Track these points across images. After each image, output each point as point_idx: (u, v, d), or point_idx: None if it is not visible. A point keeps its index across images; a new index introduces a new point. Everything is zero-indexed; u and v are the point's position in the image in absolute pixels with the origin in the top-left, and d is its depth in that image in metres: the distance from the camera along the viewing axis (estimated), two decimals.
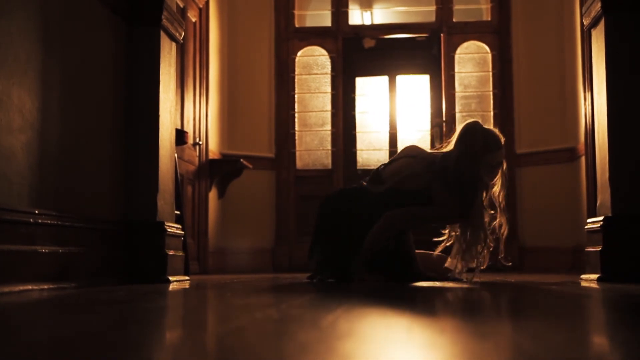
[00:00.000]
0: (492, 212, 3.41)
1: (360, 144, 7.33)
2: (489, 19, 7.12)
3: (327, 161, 7.17)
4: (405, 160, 3.61)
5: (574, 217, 6.10)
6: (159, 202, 3.56)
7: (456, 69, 7.10)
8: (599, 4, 3.49)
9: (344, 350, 0.96)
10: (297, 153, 7.15)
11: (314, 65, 7.29)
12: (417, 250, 3.66)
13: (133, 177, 3.54)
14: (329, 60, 7.26)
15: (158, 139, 3.58)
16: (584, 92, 5.70)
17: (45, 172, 2.76)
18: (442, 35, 7.12)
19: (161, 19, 3.62)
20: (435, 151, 3.74)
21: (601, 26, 3.53)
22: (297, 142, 7.18)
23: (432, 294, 2.21)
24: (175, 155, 4.01)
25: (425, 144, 7.22)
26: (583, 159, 5.85)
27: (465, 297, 2.05)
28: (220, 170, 6.38)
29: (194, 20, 5.99)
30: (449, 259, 3.46)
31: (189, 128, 5.71)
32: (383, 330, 1.22)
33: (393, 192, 3.47)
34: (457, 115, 7.07)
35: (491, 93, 7.04)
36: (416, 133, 7.32)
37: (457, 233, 3.45)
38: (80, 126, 3.12)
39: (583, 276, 3.59)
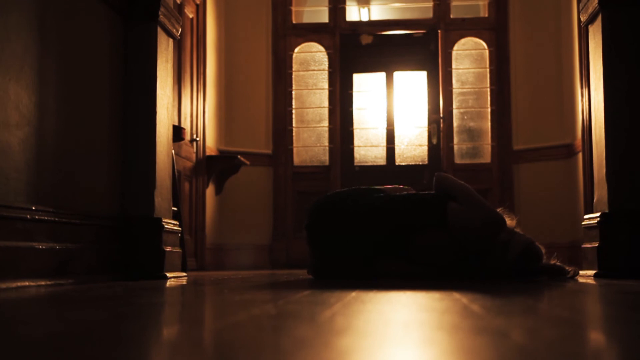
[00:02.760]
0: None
1: (357, 140, 7.33)
2: (487, 15, 7.12)
3: (324, 157, 7.18)
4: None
5: (571, 213, 6.12)
6: (156, 199, 3.56)
7: (453, 66, 7.11)
8: (596, 0, 3.49)
9: (341, 345, 0.97)
10: (295, 149, 7.15)
11: (312, 62, 7.29)
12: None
13: (130, 173, 3.53)
14: (326, 56, 7.26)
15: (155, 135, 3.57)
16: (581, 88, 5.71)
17: (42, 168, 2.76)
18: (439, 31, 7.12)
19: (158, 15, 3.61)
20: None
21: (598, 22, 3.53)
22: (294, 138, 7.18)
23: (429, 291, 2.22)
24: (173, 151, 4.01)
25: (422, 140, 7.23)
26: (580, 155, 5.86)
27: (462, 293, 2.06)
28: (217, 167, 6.38)
29: (191, 16, 5.99)
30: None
31: (186, 124, 5.71)
32: (380, 326, 1.22)
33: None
34: (455, 111, 7.07)
35: (488, 89, 7.04)
36: (414, 129, 7.32)
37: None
38: (77, 122, 3.11)
39: (580, 272, 3.60)
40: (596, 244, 3.41)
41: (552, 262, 3.17)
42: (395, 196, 3.38)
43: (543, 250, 3.17)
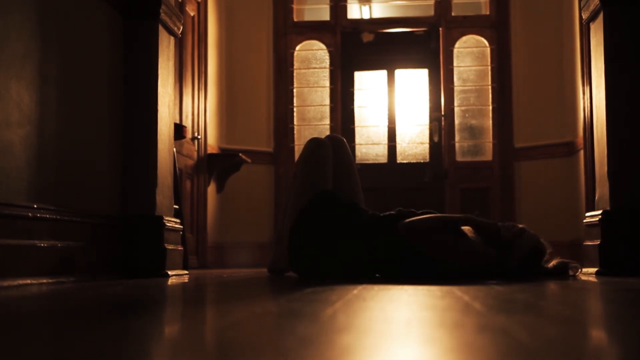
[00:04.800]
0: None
1: (358, 138, 7.33)
2: (488, 12, 7.12)
3: None
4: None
5: (572, 211, 6.11)
6: (158, 197, 3.56)
7: (455, 63, 7.10)
8: None
9: (343, 343, 0.97)
10: (296, 147, 7.14)
11: (313, 60, 7.29)
12: None
13: (131, 171, 3.53)
14: (328, 54, 7.26)
15: (156, 133, 3.57)
16: (583, 85, 5.70)
17: (43, 166, 2.76)
18: (440, 29, 7.11)
19: (159, 13, 3.61)
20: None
21: (600, 20, 3.53)
22: (295, 136, 7.18)
23: (430, 289, 2.22)
24: (174, 149, 4.01)
25: (424, 138, 7.23)
26: (581, 152, 5.86)
27: (463, 291, 2.06)
28: (218, 165, 6.38)
29: (192, 14, 5.98)
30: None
31: (187, 122, 5.71)
32: (382, 324, 1.22)
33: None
34: (456, 109, 7.07)
35: (490, 87, 7.04)
36: (415, 127, 7.32)
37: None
38: (78, 120, 3.12)
39: (582, 270, 3.60)
40: (597, 242, 3.41)
41: (555, 261, 3.13)
42: (386, 220, 3.28)
43: (549, 250, 3.13)
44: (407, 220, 3.08)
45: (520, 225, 3.15)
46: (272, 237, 3.65)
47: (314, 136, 3.57)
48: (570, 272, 3.09)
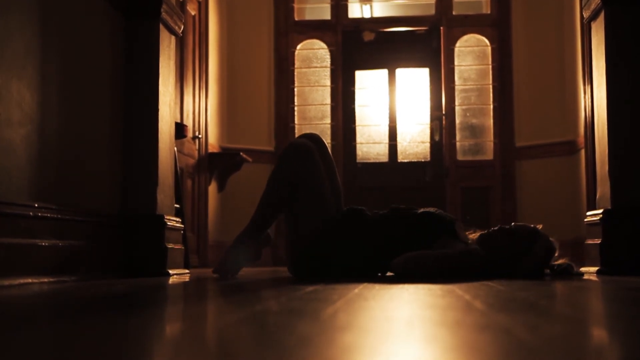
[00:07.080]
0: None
1: (359, 137, 7.33)
2: (489, 11, 7.11)
3: None
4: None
5: (574, 210, 6.11)
6: (159, 196, 3.56)
7: (456, 62, 7.10)
8: None
9: (344, 342, 0.97)
10: None
11: (314, 59, 7.29)
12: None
13: (132, 170, 3.54)
14: (329, 53, 7.25)
15: (157, 132, 3.58)
16: (584, 84, 5.70)
17: (44, 165, 2.76)
18: (441, 28, 7.11)
19: (160, 12, 3.61)
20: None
21: (601, 19, 3.52)
22: (296, 135, 7.17)
23: (430, 287, 2.22)
24: (175, 148, 4.01)
25: (425, 137, 7.22)
26: (583, 151, 5.85)
27: (464, 290, 2.06)
28: (219, 164, 6.38)
29: (193, 13, 5.98)
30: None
31: (188, 121, 5.71)
32: (383, 323, 1.22)
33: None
34: (457, 108, 7.07)
35: (491, 86, 7.04)
36: (416, 126, 7.32)
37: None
38: (80, 120, 3.12)
39: (582, 269, 3.59)
40: (599, 241, 3.41)
41: (560, 261, 3.14)
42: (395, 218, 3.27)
43: (558, 251, 3.14)
44: (399, 260, 3.05)
45: (533, 226, 3.15)
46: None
47: (293, 141, 3.48)
48: (575, 270, 3.10)
